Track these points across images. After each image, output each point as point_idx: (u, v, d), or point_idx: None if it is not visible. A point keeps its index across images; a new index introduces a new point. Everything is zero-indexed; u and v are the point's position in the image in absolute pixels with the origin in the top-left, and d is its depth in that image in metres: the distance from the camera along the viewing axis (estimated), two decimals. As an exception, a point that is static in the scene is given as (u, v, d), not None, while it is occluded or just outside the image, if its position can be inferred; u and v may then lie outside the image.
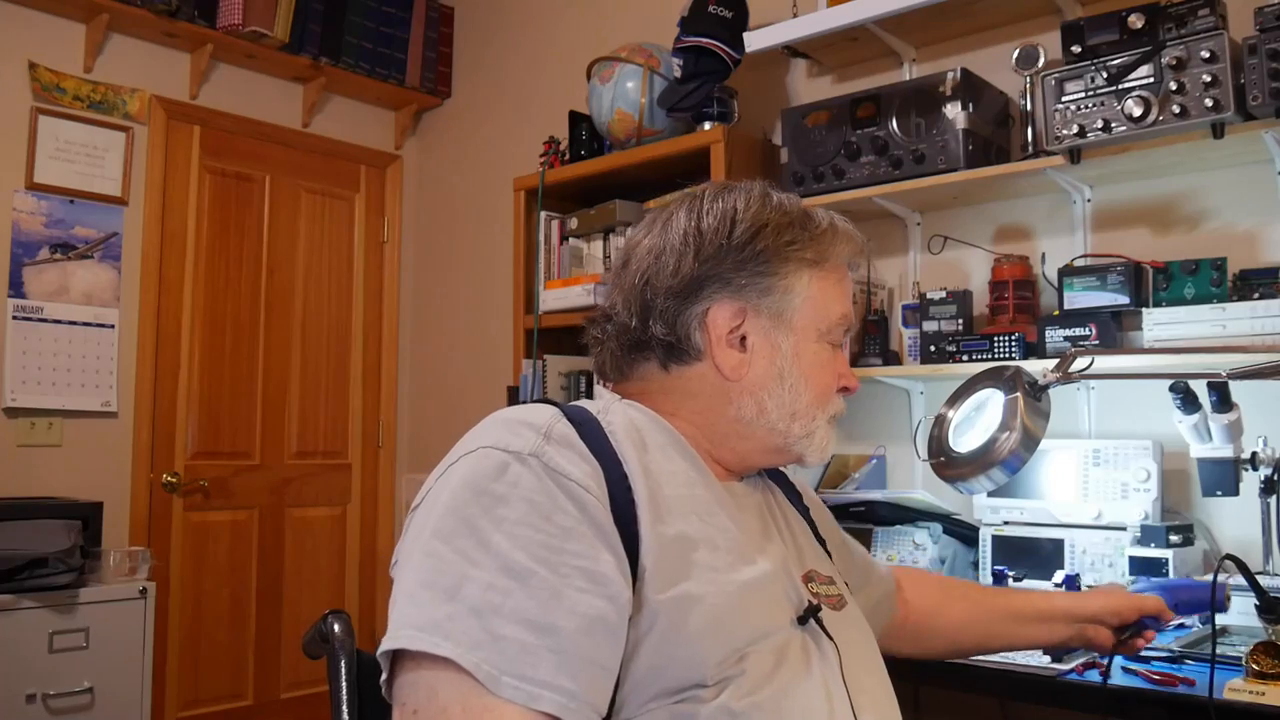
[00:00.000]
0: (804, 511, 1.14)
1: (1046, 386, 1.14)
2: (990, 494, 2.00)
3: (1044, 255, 2.19)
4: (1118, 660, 1.56)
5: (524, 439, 0.83)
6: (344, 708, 0.96)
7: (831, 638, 0.91)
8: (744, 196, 1.02)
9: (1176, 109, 1.78)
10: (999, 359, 2.02)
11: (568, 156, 2.90)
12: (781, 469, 1.16)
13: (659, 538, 0.84)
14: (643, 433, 0.94)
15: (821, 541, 1.12)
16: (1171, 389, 1.72)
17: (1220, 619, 1.61)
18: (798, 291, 1.01)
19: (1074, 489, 2.01)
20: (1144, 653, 1.56)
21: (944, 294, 2.20)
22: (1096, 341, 1.91)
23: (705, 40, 2.50)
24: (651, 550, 0.83)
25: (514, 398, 2.83)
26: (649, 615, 0.81)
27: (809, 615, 0.90)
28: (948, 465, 1.27)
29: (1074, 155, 1.94)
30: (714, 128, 2.52)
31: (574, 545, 0.78)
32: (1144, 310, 1.89)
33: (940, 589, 1.35)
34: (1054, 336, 1.97)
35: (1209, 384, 1.69)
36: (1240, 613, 1.65)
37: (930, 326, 2.20)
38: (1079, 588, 1.67)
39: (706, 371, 0.99)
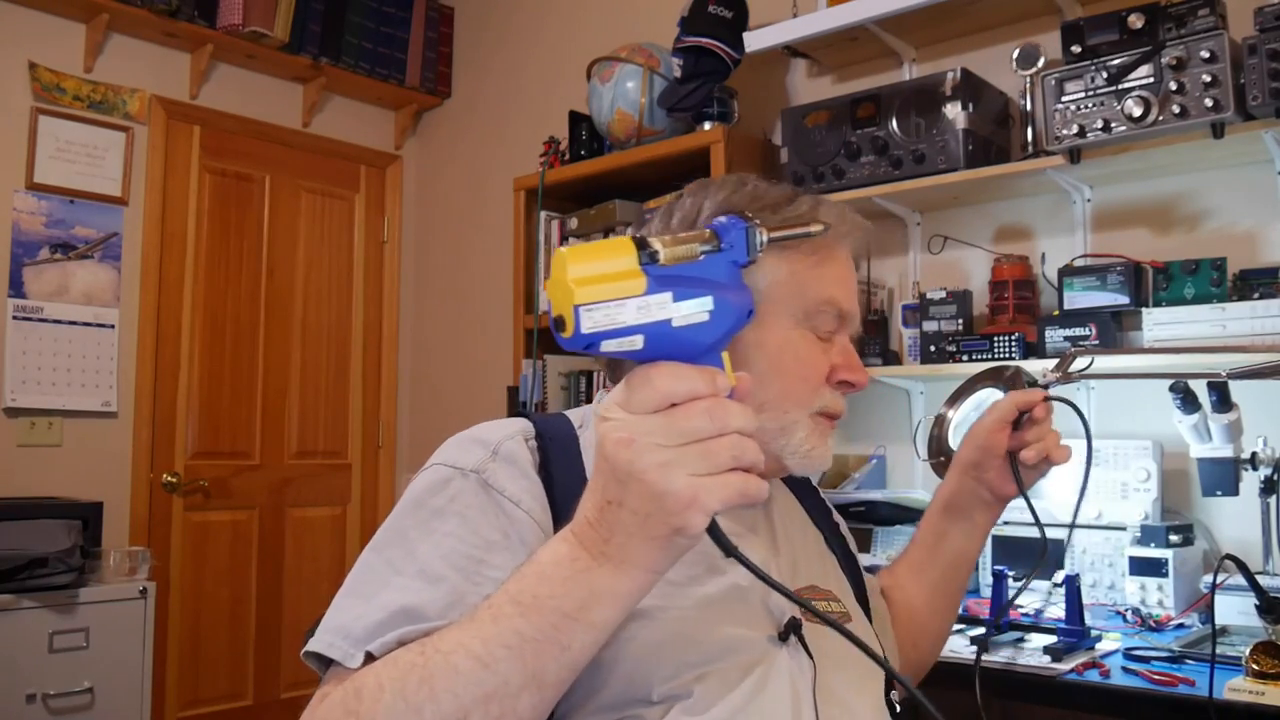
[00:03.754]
0: (831, 528, 1.12)
1: (1046, 386, 1.14)
2: (990, 494, 1.99)
3: (1044, 255, 2.19)
4: (1117, 660, 1.56)
5: (472, 456, 0.86)
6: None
7: (811, 655, 0.88)
8: (717, 188, 0.98)
9: (1176, 109, 1.78)
10: (999, 359, 2.02)
11: (568, 156, 2.90)
12: (811, 482, 1.15)
13: None
14: None
15: (848, 559, 1.10)
16: (1171, 389, 1.72)
17: (1220, 619, 1.61)
18: (769, 269, 0.94)
19: (1074, 489, 2.00)
20: (1144, 653, 1.56)
21: (944, 294, 2.20)
22: (1096, 341, 1.91)
23: (705, 40, 2.50)
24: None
25: (514, 398, 2.83)
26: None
27: (789, 631, 0.88)
28: (947, 465, 1.27)
29: (1074, 155, 1.94)
30: (714, 128, 2.52)
31: (496, 558, 0.79)
32: (1144, 310, 1.89)
33: (890, 575, 1.25)
34: (1054, 336, 1.97)
35: (1209, 384, 1.69)
36: (1240, 613, 1.65)
37: (930, 326, 2.20)
38: (1078, 588, 1.67)
39: None
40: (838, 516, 1.19)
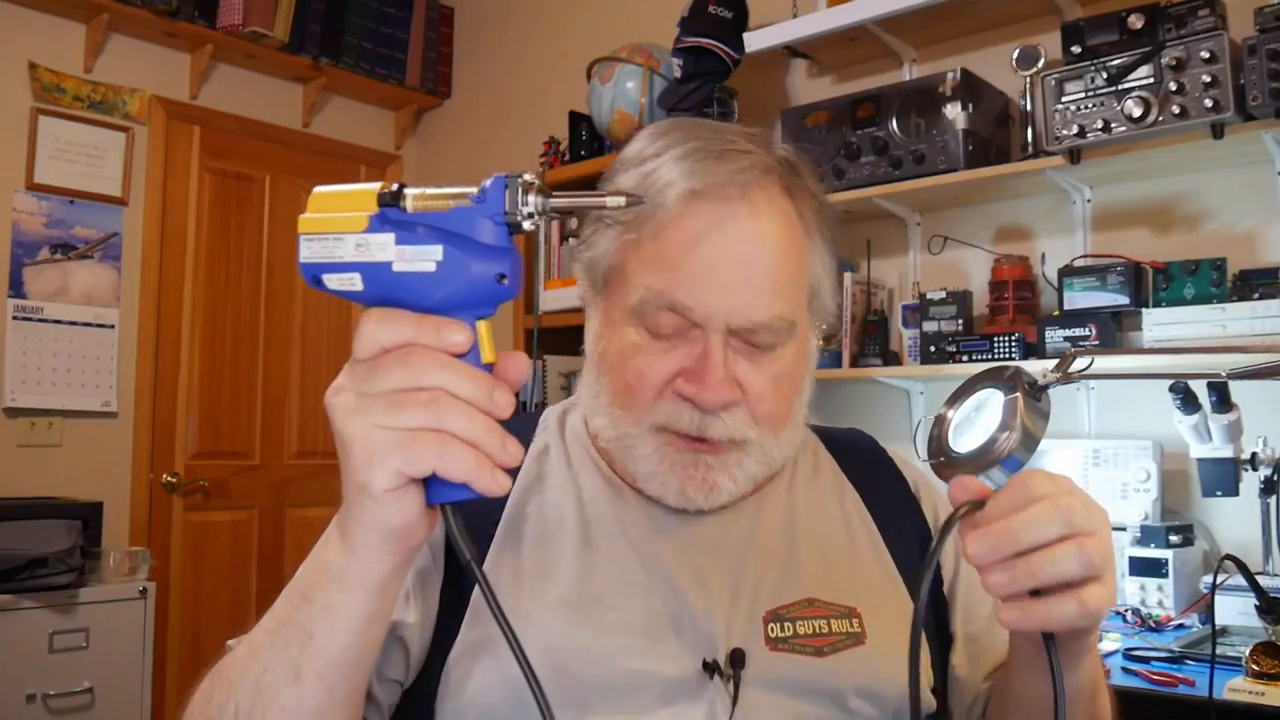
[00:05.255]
0: (906, 529, 0.90)
1: (1046, 386, 1.13)
2: (990, 494, 1.99)
3: (1044, 255, 2.19)
4: (1118, 660, 1.56)
5: None
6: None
7: (737, 692, 0.75)
8: (646, 135, 0.86)
9: (1176, 109, 1.78)
10: (999, 359, 2.02)
11: (568, 156, 2.90)
12: (900, 472, 0.96)
13: (499, 570, 0.80)
14: (569, 450, 0.88)
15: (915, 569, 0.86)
16: (1171, 389, 1.72)
17: (1220, 619, 1.61)
18: (601, 252, 0.82)
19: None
20: (1144, 653, 1.56)
21: (944, 294, 2.20)
22: (1096, 341, 1.91)
23: (705, 40, 2.50)
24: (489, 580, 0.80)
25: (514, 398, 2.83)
26: (460, 651, 0.78)
27: (712, 670, 0.76)
28: (948, 466, 1.27)
29: (1074, 155, 1.94)
30: (714, 128, 2.51)
31: None
32: (1144, 310, 1.90)
33: None
34: (1054, 336, 1.97)
35: (1209, 384, 1.69)
36: (1240, 613, 1.65)
37: (930, 326, 2.20)
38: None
39: None
40: (932, 512, 0.94)
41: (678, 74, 2.56)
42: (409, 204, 0.54)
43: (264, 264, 3.51)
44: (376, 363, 0.53)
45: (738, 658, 0.76)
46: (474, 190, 0.54)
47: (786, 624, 0.80)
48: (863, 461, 0.97)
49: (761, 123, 2.82)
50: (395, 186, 0.54)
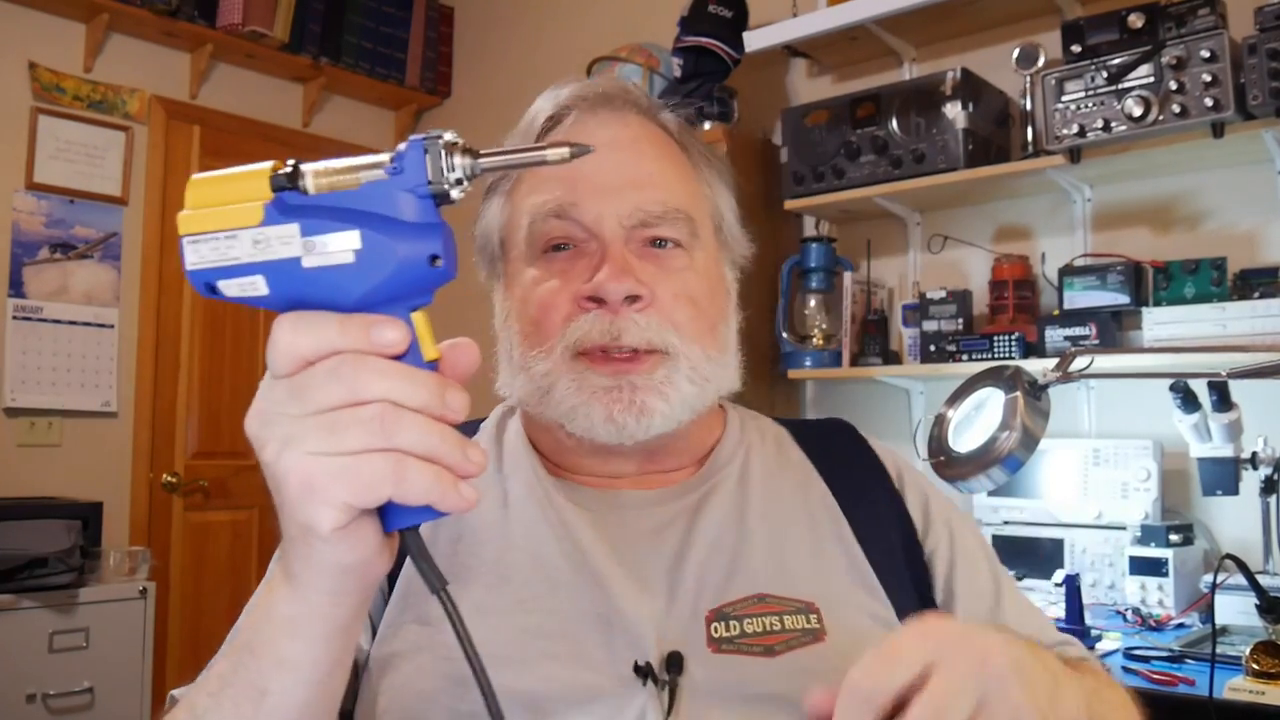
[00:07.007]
0: (883, 519, 0.84)
1: (1046, 386, 1.13)
2: (990, 493, 2.00)
3: (1044, 255, 2.19)
4: (1118, 660, 1.56)
5: None
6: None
7: (673, 700, 0.68)
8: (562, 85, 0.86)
9: (1176, 109, 1.78)
10: (999, 359, 2.02)
11: (568, 156, 2.90)
12: (880, 463, 0.91)
13: (412, 578, 0.74)
14: (503, 453, 0.84)
15: (894, 561, 0.81)
16: (1171, 389, 1.72)
17: (1220, 619, 1.61)
18: (492, 224, 0.84)
19: (1074, 489, 2.01)
20: (1144, 653, 1.56)
21: (944, 294, 2.20)
22: (1096, 341, 1.92)
23: (705, 40, 2.50)
24: (401, 588, 0.75)
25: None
26: (373, 664, 0.73)
27: (645, 675, 0.68)
28: (948, 465, 1.27)
29: (1074, 155, 1.94)
30: (714, 127, 2.52)
31: None
32: (1144, 310, 1.90)
33: None
34: (1054, 336, 1.97)
35: (1209, 384, 1.69)
36: (1240, 613, 1.65)
37: (930, 326, 2.20)
38: (1078, 588, 1.67)
39: None
40: (931, 505, 0.89)
41: (678, 73, 2.56)
42: (309, 184, 0.46)
43: (264, 264, 3.50)
44: (300, 378, 0.45)
45: (674, 661, 0.69)
46: (386, 159, 0.45)
47: (733, 622, 0.72)
48: (835, 452, 0.91)
49: (761, 123, 2.84)
50: (291, 164, 0.46)
